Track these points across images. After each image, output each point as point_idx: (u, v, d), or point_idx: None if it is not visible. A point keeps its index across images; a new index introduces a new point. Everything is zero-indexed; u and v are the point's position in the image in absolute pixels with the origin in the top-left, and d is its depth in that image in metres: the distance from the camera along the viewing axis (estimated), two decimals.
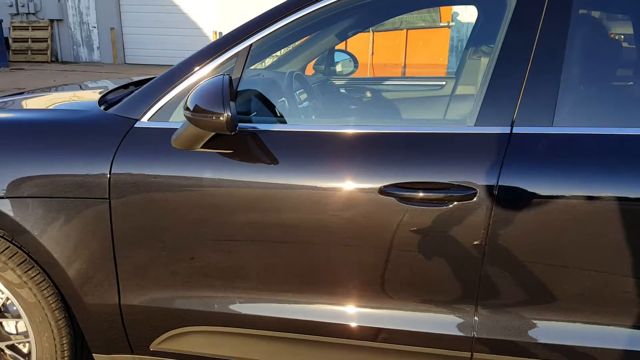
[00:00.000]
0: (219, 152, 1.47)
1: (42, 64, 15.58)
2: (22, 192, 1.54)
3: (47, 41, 16.04)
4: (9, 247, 1.64)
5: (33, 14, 16.31)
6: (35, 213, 1.55)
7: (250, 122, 1.56)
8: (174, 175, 1.49)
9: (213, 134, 1.42)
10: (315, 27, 1.82)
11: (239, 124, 1.45)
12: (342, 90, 2.74)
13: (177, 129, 1.49)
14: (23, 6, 16.19)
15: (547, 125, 1.35)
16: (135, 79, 2.41)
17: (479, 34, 2.58)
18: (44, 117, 1.70)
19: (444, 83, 2.84)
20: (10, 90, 10.20)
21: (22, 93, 2.39)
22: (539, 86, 1.36)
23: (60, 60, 16.44)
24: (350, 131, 1.46)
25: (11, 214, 1.56)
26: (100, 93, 1.98)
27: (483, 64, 2.18)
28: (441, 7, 9.05)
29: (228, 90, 1.31)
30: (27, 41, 16.06)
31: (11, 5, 16.26)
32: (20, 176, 1.55)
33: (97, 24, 16.01)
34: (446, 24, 8.84)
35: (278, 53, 2.35)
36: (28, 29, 16.11)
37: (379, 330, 1.48)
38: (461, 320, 1.42)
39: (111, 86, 2.16)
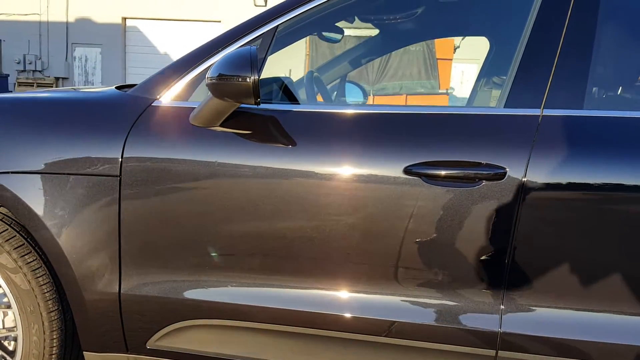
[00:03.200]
0: (237, 132, 1.42)
1: None
2: (30, 166, 1.47)
3: None
4: (7, 229, 1.54)
5: (39, 71, 16.72)
6: (40, 189, 1.47)
7: (271, 102, 1.52)
8: (190, 154, 1.44)
9: (234, 108, 1.38)
10: (338, 14, 1.82)
11: (263, 102, 1.42)
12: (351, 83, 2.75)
13: (195, 107, 1.45)
14: (30, 63, 16.63)
15: (578, 107, 1.33)
16: None
17: (491, 66, 2.62)
18: (53, 97, 1.66)
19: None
20: None
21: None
22: (568, 69, 1.34)
23: None
24: (375, 111, 1.42)
25: (13, 189, 1.48)
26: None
27: (494, 97, 2.17)
28: (440, 76, 9.38)
29: (256, 56, 1.28)
30: None
31: (19, 62, 16.70)
32: (32, 151, 1.48)
33: (102, 83, 16.39)
34: (445, 92, 9.11)
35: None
36: (33, 85, 16.42)
37: (390, 324, 1.37)
38: (486, 310, 1.32)
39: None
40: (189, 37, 15.58)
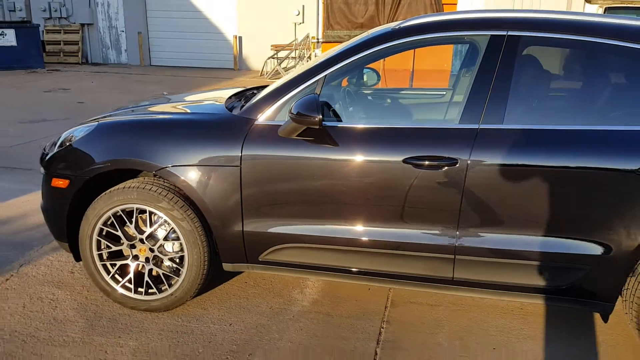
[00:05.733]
0: (306, 139, 2.50)
1: (74, 65, 16.70)
2: (191, 161, 2.59)
3: (78, 44, 17.15)
4: (173, 197, 2.69)
5: (65, 18, 17.42)
6: (196, 175, 2.59)
7: (324, 121, 2.59)
8: (279, 153, 2.53)
9: (305, 127, 2.46)
10: (360, 66, 2.83)
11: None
12: (370, 99, 3.78)
13: (281, 124, 2.53)
14: (55, 11, 17.32)
15: (499, 123, 2.38)
16: (234, 90, 3.45)
17: (469, 60, 3.60)
18: (198, 118, 2.75)
19: (444, 93, 3.87)
20: (56, 89, 11.30)
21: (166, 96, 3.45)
22: (496, 98, 2.38)
23: (90, 62, 17.56)
24: (385, 126, 2.50)
25: (183, 176, 2.60)
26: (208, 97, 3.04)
27: (456, 113, 3.10)
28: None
29: (319, 101, 2.35)
30: (60, 44, 17.18)
31: (44, 10, 17.40)
32: (191, 153, 2.59)
33: (125, 28, 17.10)
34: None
35: None
36: (60, 32, 17.23)
37: (398, 243, 2.51)
38: (449, 234, 2.46)
39: (225, 94, 3.22)
40: None
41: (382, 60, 2.72)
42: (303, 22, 15.33)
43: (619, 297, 2.43)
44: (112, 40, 17.46)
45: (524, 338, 2.68)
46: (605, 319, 2.49)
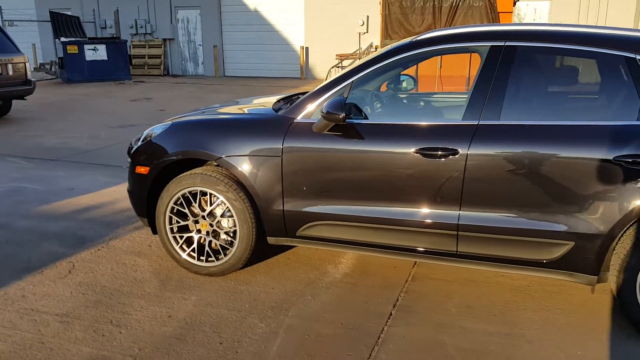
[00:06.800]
0: (335, 134, 3.03)
1: (157, 77, 18.21)
2: (242, 152, 3.19)
3: (160, 57, 18.68)
4: (228, 182, 3.30)
5: (149, 34, 19.03)
6: (246, 163, 3.19)
7: (351, 119, 3.10)
8: (313, 145, 3.08)
9: (334, 124, 2.99)
10: (382, 73, 3.32)
11: (347, 119, 3.01)
12: (394, 101, 4.24)
13: (315, 122, 3.08)
14: (141, 27, 18.97)
15: (496, 119, 2.79)
16: (282, 96, 4.05)
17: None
18: (249, 117, 3.37)
19: (463, 95, 4.27)
20: (140, 99, 12.53)
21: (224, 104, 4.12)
22: (493, 99, 2.80)
23: (170, 74, 19.05)
24: (401, 123, 2.98)
25: (236, 164, 3.21)
26: (261, 102, 3.64)
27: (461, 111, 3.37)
28: None
29: (344, 103, 2.88)
30: (144, 57, 18.78)
31: (131, 27, 19.11)
32: (242, 146, 3.20)
33: (203, 42, 18.42)
34: None
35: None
36: (145, 47, 18.84)
37: (411, 220, 2.97)
38: (452, 214, 2.89)
39: (273, 99, 3.83)
40: None
41: (414, 67, 3.21)
42: (367, 32, 15.89)
43: (602, 269, 2.77)
44: (191, 54, 18.85)
45: (524, 309, 3.05)
46: (592, 290, 2.82)
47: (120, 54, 16.70)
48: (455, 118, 2.94)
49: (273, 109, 3.44)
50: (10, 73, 9.41)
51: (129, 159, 3.66)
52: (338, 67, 14.78)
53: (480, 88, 2.85)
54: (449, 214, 2.90)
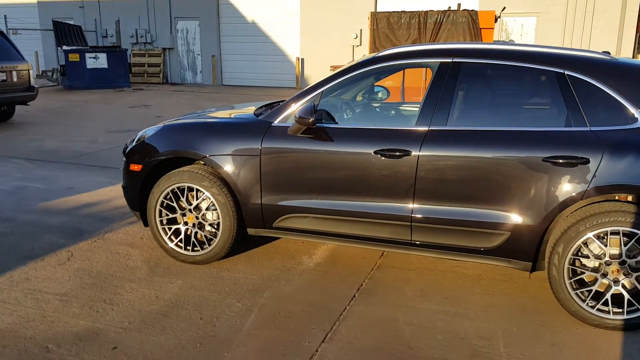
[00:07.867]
0: (307, 136, 3.43)
1: (156, 84, 18.66)
2: (226, 152, 3.59)
3: (160, 66, 19.14)
4: (212, 178, 3.69)
5: (149, 43, 19.50)
6: (229, 162, 3.59)
7: (322, 123, 3.50)
8: (288, 146, 3.48)
9: (305, 127, 3.39)
10: (348, 84, 3.73)
11: (317, 124, 3.41)
12: (361, 108, 4.65)
13: (290, 126, 3.48)
14: (141, 37, 19.45)
15: (443, 125, 3.20)
16: (264, 103, 4.46)
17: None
18: (232, 121, 3.77)
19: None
20: (139, 105, 12.94)
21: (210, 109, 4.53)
22: (441, 108, 3.21)
23: (169, 82, 19.51)
24: (364, 127, 3.38)
25: (220, 163, 3.61)
26: (246, 109, 4.05)
27: (413, 118, 3.76)
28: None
29: (314, 109, 3.28)
30: (144, 66, 19.24)
31: (132, 36, 19.59)
32: (226, 146, 3.59)
33: (201, 51, 18.90)
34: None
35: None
36: (145, 56, 19.31)
37: (371, 212, 3.36)
38: (406, 207, 3.28)
39: (256, 106, 4.24)
40: (272, 6, 17.49)
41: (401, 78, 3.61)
42: (360, 45, 16.38)
43: (538, 258, 3.16)
44: (189, 63, 19.33)
45: (472, 293, 3.44)
46: (528, 276, 3.21)
47: (121, 62, 17.16)
48: (411, 124, 3.34)
49: (254, 114, 3.84)
50: (15, 80, 9.84)
51: (124, 158, 4.06)
52: None
53: (430, 98, 3.26)
54: (404, 207, 3.30)
